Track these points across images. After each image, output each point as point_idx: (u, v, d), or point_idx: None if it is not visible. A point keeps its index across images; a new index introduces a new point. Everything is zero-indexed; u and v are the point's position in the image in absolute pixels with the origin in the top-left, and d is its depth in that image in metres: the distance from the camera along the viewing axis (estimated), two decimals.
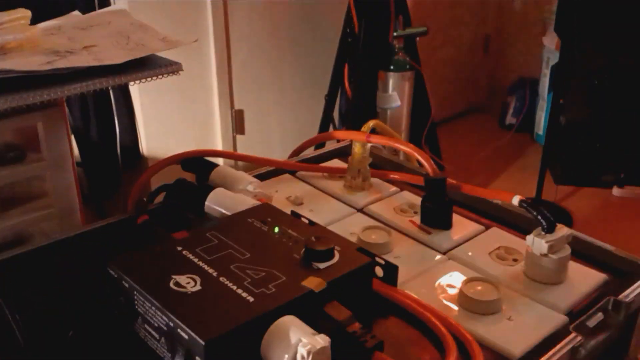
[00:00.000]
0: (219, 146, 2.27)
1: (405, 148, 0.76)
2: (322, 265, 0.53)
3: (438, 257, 0.66)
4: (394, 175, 0.82)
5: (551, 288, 0.60)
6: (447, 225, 0.70)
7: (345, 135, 0.92)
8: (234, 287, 0.49)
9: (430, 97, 2.12)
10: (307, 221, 0.62)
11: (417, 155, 0.73)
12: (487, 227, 0.72)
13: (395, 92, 1.98)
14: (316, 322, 0.48)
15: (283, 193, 0.78)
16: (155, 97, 2.01)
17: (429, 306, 0.56)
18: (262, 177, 0.81)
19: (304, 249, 0.54)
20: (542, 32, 2.79)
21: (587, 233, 0.68)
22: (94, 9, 1.19)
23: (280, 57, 2.34)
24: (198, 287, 0.49)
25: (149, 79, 0.94)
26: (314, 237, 0.55)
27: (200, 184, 0.71)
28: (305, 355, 0.43)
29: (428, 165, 0.71)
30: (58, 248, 0.66)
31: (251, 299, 0.48)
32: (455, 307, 0.58)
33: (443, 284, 0.61)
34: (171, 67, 0.96)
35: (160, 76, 0.95)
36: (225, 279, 0.50)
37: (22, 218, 1.06)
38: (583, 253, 0.66)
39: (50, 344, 0.52)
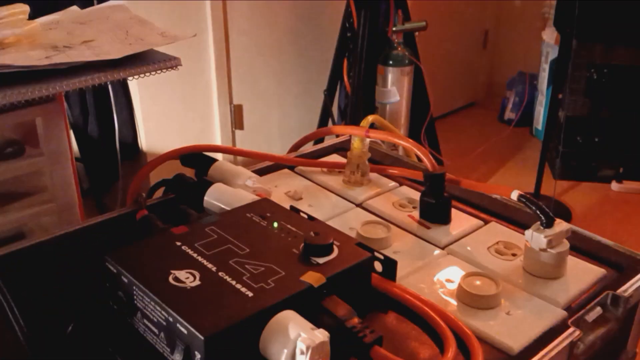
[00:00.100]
0: (217, 141, 2.27)
1: (404, 143, 0.76)
2: (321, 260, 0.53)
3: (437, 252, 0.66)
4: (393, 170, 0.82)
5: (550, 283, 0.60)
6: (446, 220, 0.71)
7: (344, 130, 0.92)
8: (233, 282, 0.49)
9: (429, 92, 2.12)
10: (306, 216, 0.62)
11: (416, 150, 0.73)
12: (486, 222, 0.72)
13: (394, 87, 1.98)
14: (315, 317, 0.48)
15: (282, 188, 0.78)
16: (154, 92, 2.01)
17: (428, 301, 0.56)
18: (261, 172, 0.81)
19: (303, 244, 0.54)
20: (541, 27, 2.79)
21: (586, 228, 0.68)
22: (92, 4, 1.18)
23: (279, 51, 2.34)
24: (197, 282, 0.49)
25: (147, 74, 0.94)
26: (313, 232, 0.55)
27: (199, 179, 0.71)
28: (304, 350, 0.43)
29: (427, 160, 0.71)
30: (57, 243, 0.66)
31: (250, 294, 0.48)
32: (454, 302, 0.58)
33: (442, 278, 0.61)
34: (170, 62, 0.96)
35: (159, 71, 0.95)
36: (224, 274, 0.50)
37: (22, 213, 1.06)
38: (582, 248, 0.66)
39: (50, 339, 0.52)
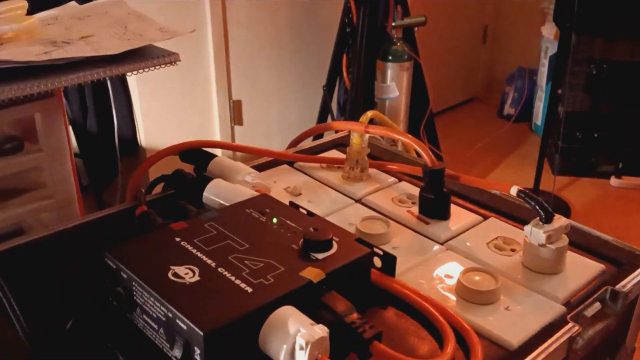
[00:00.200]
0: (217, 137, 2.26)
1: (404, 138, 0.76)
2: (320, 256, 0.53)
3: (436, 247, 0.66)
4: (392, 166, 0.82)
5: (549, 278, 0.60)
6: (445, 215, 0.71)
7: (343, 125, 0.92)
8: (233, 278, 0.49)
9: (428, 88, 2.12)
10: (305, 212, 0.62)
11: (416, 145, 0.73)
12: (485, 218, 0.72)
13: (393, 83, 1.97)
14: (315, 312, 0.48)
15: (281, 184, 0.78)
16: (153, 87, 2.01)
17: (427, 296, 0.56)
18: (260, 168, 0.81)
19: (302, 240, 0.54)
20: (540, 22, 2.78)
21: (585, 223, 0.68)
22: None
23: (279, 47, 2.33)
24: (197, 278, 0.49)
25: (146, 69, 0.94)
26: (313, 227, 0.55)
27: (199, 175, 0.71)
28: (303, 345, 0.43)
29: (426, 156, 0.71)
30: (57, 239, 0.66)
31: (250, 290, 0.48)
32: (454, 297, 0.58)
33: (441, 274, 0.61)
34: (169, 58, 0.96)
35: (158, 67, 0.95)
36: (223, 270, 0.50)
37: (21, 209, 1.06)
38: (581, 243, 0.66)
39: (50, 334, 0.52)
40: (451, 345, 0.50)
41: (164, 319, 0.47)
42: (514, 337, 0.53)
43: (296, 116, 2.45)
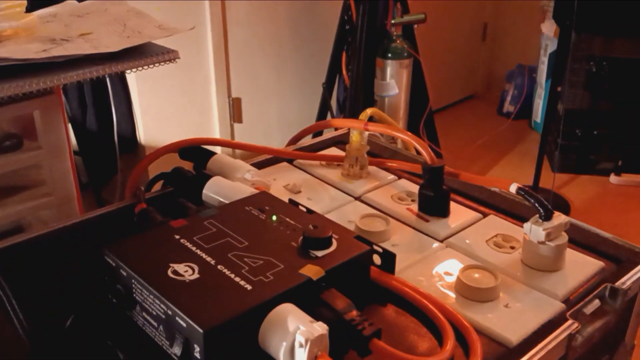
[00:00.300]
0: (216, 134, 2.26)
1: (403, 136, 0.76)
2: (320, 254, 0.53)
3: (436, 244, 0.66)
4: (392, 163, 0.82)
5: (548, 275, 0.60)
6: (444, 213, 0.71)
7: (343, 123, 0.92)
8: (232, 276, 0.49)
9: (428, 85, 2.12)
10: (304, 209, 0.62)
11: (415, 143, 0.73)
12: (485, 215, 0.72)
13: (393, 80, 1.97)
14: (314, 310, 0.48)
15: (281, 181, 0.78)
16: (152, 85, 2.01)
17: (426, 294, 0.56)
18: (259, 166, 0.81)
19: (301, 237, 0.54)
20: (540, 20, 2.78)
21: (585, 221, 0.68)
22: None
23: (278, 45, 2.33)
24: (196, 276, 0.49)
25: (145, 67, 0.94)
26: (312, 225, 0.55)
27: (198, 173, 0.71)
28: (303, 342, 0.43)
29: (426, 153, 0.71)
30: (56, 237, 0.66)
31: (249, 287, 0.48)
32: (453, 295, 0.58)
33: (441, 271, 0.61)
34: (168, 55, 0.96)
35: (157, 64, 0.95)
36: (223, 267, 0.50)
37: (20, 207, 1.06)
38: (580, 241, 0.66)
39: (49, 332, 0.52)
40: (450, 343, 0.50)
41: (163, 316, 0.47)
42: (514, 334, 0.53)
43: (296, 114, 2.45)
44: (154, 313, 0.48)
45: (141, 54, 0.94)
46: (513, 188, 0.64)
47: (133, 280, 0.50)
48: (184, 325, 0.45)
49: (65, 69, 0.87)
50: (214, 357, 0.45)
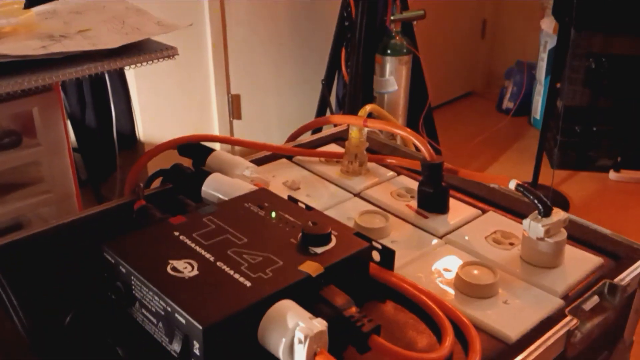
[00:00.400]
0: (215, 131, 2.26)
1: (402, 132, 0.76)
2: (319, 250, 0.53)
3: (435, 241, 0.66)
4: (391, 160, 0.82)
5: (547, 272, 0.60)
6: (444, 209, 0.71)
7: (342, 119, 0.92)
8: (232, 272, 0.49)
9: (427, 81, 2.11)
10: (304, 206, 0.62)
11: (414, 139, 0.73)
12: (484, 212, 0.72)
13: (392, 77, 1.97)
14: (313, 306, 0.48)
15: (280, 178, 0.78)
16: (151, 82, 2.01)
17: (425, 290, 0.56)
18: (258, 162, 0.81)
19: (301, 234, 0.54)
20: (539, 16, 2.78)
21: (584, 217, 0.69)
22: None
23: (277, 41, 2.33)
24: (195, 272, 0.49)
25: (144, 63, 0.94)
26: (311, 221, 0.55)
27: (197, 169, 0.71)
28: (302, 339, 0.44)
29: (425, 150, 0.71)
30: (55, 233, 0.66)
31: (248, 284, 0.48)
32: (452, 291, 0.58)
33: (440, 268, 0.61)
34: (167, 52, 0.96)
35: (156, 60, 0.95)
36: (222, 264, 0.50)
37: (20, 204, 1.06)
38: (579, 237, 0.66)
39: (49, 329, 0.52)
40: (450, 339, 0.50)
41: (162, 313, 0.47)
42: (513, 330, 0.53)
43: (295, 110, 2.44)
44: (154, 310, 0.48)
45: (140, 50, 0.94)
46: (512, 184, 0.64)
47: (132, 277, 0.50)
48: (184, 321, 0.45)
49: (64, 66, 0.87)
50: (214, 353, 0.45)
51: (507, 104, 3.03)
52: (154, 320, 0.49)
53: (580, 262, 0.62)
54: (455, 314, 0.53)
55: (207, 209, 0.59)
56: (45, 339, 0.52)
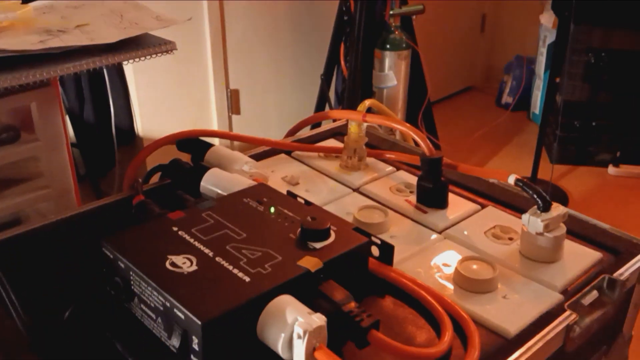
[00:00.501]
0: (214, 126, 2.26)
1: (402, 127, 0.76)
2: (318, 245, 0.53)
3: (434, 236, 0.66)
4: (390, 155, 0.81)
5: (546, 266, 0.60)
6: (443, 204, 0.71)
7: (341, 114, 0.92)
8: (230, 267, 0.49)
9: (426, 76, 2.11)
10: (303, 201, 0.62)
11: (413, 134, 0.73)
12: (483, 206, 0.72)
13: (391, 71, 1.97)
14: (312, 301, 0.48)
15: (279, 173, 0.78)
16: (150, 77, 2.00)
17: (424, 285, 0.56)
18: (257, 157, 0.81)
19: (300, 229, 0.54)
20: (539, 11, 2.78)
21: (583, 212, 0.68)
22: None
23: (276, 36, 2.32)
24: (194, 268, 0.49)
25: (142, 58, 0.93)
26: (310, 217, 0.55)
27: (196, 164, 0.71)
28: (301, 334, 0.44)
29: (424, 145, 0.71)
30: (54, 229, 0.66)
31: (247, 279, 0.48)
32: (451, 286, 0.58)
33: (439, 263, 0.61)
34: (165, 46, 0.96)
35: (154, 55, 0.95)
36: (221, 259, 0.50)
37: (18, 199, 1.06)
38: (578, 232, 0.66)
39: (48, 324, 0.52)
40: (449, 334, 0.50)
41: (161, 308, 0.47)
42: (512, 325, 0.53)
43: (294, 105, 2.44)
44: (152, 305, 0.48)
45: (138, 45, 0.94)
46: (511, 179, 0.64)
47: (131, 272, 0.50)
48: (182, 317, 0.45)
49: (62, 61, 0.87)
50: (213, 348, 0.45)
51: (507, 98, 3.03)
52: (153, 316, 0.48)
53: (579, 257, 0.62)
54: (454, 309, 0.53)
55: (206, 204, 0.59)
56: (44, 335, 0.52)
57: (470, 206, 0.71)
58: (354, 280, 0.53)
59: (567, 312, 0.54)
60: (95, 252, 0.53)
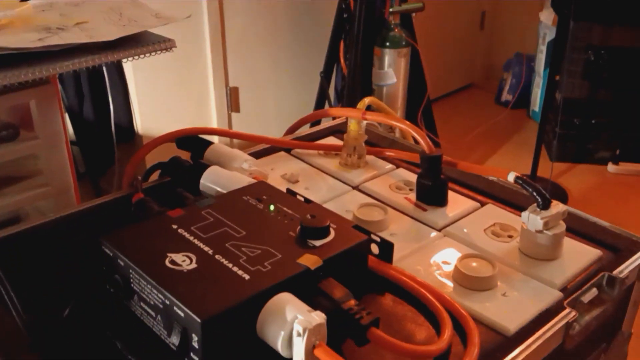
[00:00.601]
0: (214, 124, 2.26)
1: (401, 125, 0.76)
2: (317, 243, 0.53)
3: (434, 234, 0.66)
4: (390, 153, 0.81)
5: (546, 264, 0.60)
6: (442, 202, 0.71)
7: (340, 112, 0.91)
8: (230, 265, 0.49)
9: (426, 74, 2.11)
10: (302, 199, 0.62)
11: (413, 132, 0.73)
12: (483, 204, 0.72)
13: (391, 69, 1.97)
14: (312, 299, 0.48)
15: (278, 171, 0.78)
16: (149, 74, 2.00)
17: (424, 283, 0.56)
18: (257, 155, 0.81)
19: (299, 227, 0.54)
20: (538, 8, 2.77)
21: (582, 209, 0.69)
22: None
23: (276, 33, 2.32)
24: (194, 265, 0.49)
25: (142, 55, 0.93)
26: (310, 214, 0.55)
27: (195, 162, 0.71)
28: (300, 332, 0.44)
29: (424, 142, 0.71)
30: (54, 227, 0.66)
31: (247, 277, 0.48)
32: (451, 284, 0.58)
33: (438, 260, 0.61)
34: (164, 44, 0.96)
35: (153, 53, 0.95)
36: (221, 257, 0.50)
37: (17, 197, 1.06)
38: (578, 229, 0.66)
39: (47, 322, 0.52)
40: (448, 332, 0.50)
41: (161, 306, 0.47)
42: (511, 323, 0.53)
43: (293, 103, 2.44)
44: (152, 303, 0.48)
45: (137, 42, 0.94)
46: (511, 177, 0.64)
47: (131, 270, 0.50)
48: (182, 314, 0.45)
49: (61, 58, 0.87)
50: (212, 346, 0.45)
51: (506, 96, 3.03)
52: (153, 314, 0.48)
53: (578, 255, 0.62)
54: (453, 307, 0.53)
55: (205, 201, 0.59)
56: (44, 333, 0.52)
57: (470, 204, 0.71)
58: (354, 278, 0.53)
59: (567, 310, 0.54)
60: (95, 250, 0.53)
